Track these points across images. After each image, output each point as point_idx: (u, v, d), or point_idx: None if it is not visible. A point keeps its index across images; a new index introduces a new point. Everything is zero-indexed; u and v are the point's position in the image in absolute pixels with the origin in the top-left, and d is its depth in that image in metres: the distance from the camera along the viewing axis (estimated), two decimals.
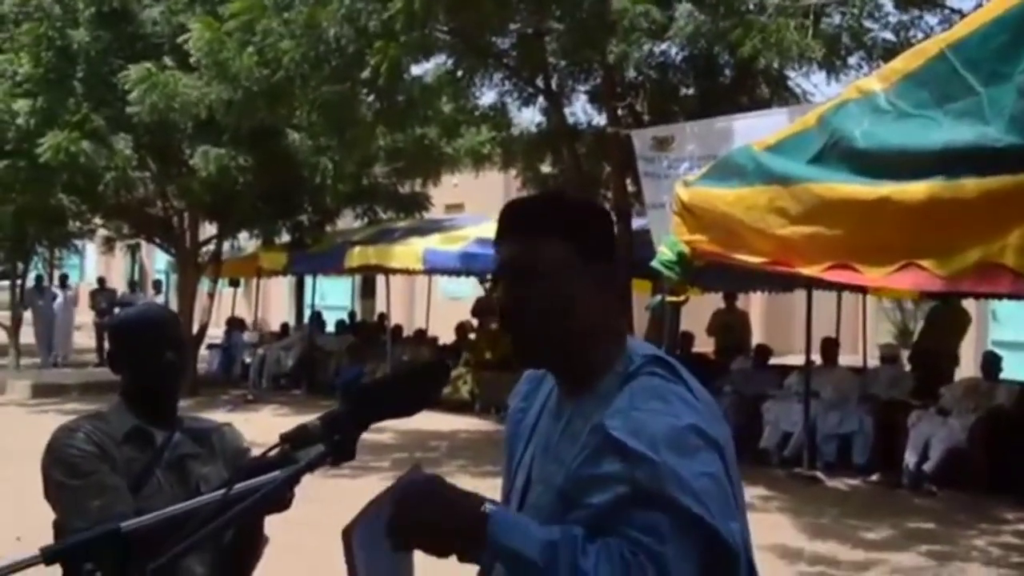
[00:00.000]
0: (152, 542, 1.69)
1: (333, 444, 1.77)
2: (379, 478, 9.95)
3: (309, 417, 1.78)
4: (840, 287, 11.90)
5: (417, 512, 1.62)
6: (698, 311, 13.41)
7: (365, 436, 1.73)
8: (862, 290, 12.89)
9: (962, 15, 7.06)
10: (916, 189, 4.36)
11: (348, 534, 1.77)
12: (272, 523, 2.46)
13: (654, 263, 6.01)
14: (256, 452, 2.02)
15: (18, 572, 1.71)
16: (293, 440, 1.80)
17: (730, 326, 14.50)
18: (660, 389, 1.70)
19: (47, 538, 1.74)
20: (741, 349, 13.62)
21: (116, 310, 19.35)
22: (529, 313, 1.77)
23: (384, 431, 12.08)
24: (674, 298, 6.03)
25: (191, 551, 1.79)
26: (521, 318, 1.78)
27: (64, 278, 22.43)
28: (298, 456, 1.82)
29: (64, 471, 2.48)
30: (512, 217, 1.84)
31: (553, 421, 1.85)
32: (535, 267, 1.76)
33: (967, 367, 12.93)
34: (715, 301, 14.52)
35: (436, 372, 1.94)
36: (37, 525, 1.87)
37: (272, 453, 1.85)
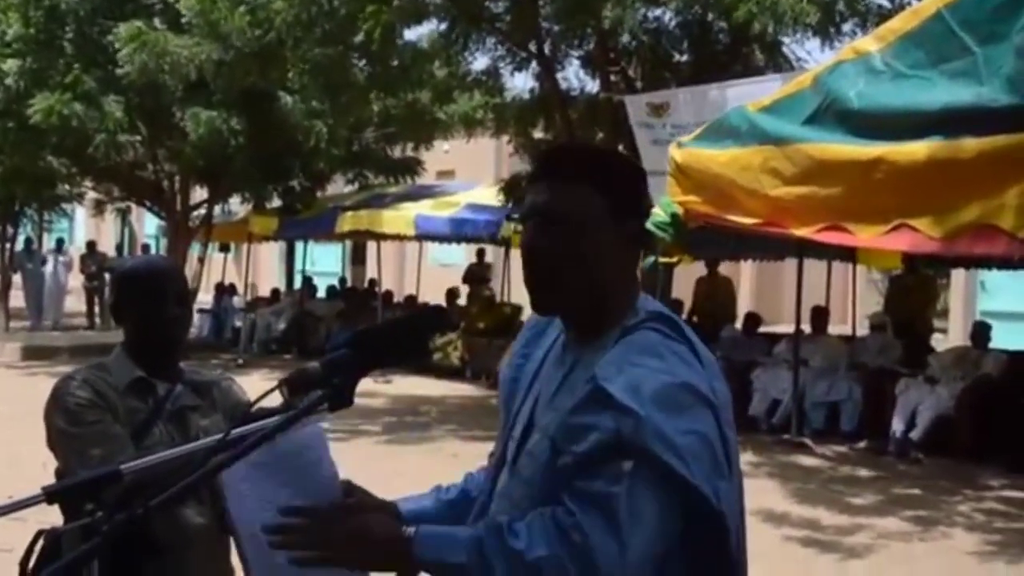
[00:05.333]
0: (150, 487, 1.70)
1: (332, 388, 1.78)
2: (371, 441, 10.00)
3: None
4: (831, 254, 11.94)
5: (345, 554, 1.68)
6: (688, 278, 13.43)
7: (355, 400, 1.73)
8: (852, 259, 12.91)
9: None
10: (913, 149, 4.35)
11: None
12: None
13: (647, 224, 6.01)
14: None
15: (21, 510, 1.73)
16: (292, 383, 1.81)
17: (712, 294, 14.46)
18: (657, 346, 1.70)
19: None
20: (725, 316, 13.63)
21: (105, 275, 19.39)
22: (549, 258, 1.77)
23: (375, 396, 12.11)
24: (667, 259, 6.04)
25: (187, 493, 1.80)
26: (541, 263, 1.79)
27: (60, 242, 22.35)
28: (297, 404, 1.83)
29: (67, 419, 2.49)
30: (548, 162, 1.87)
31: (556, 369, 1.85)
32: (561, 213, 1.77)
33: (956, 336, 12.98)
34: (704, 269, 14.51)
35: (436, 318, 1.95)
36: (29, 484, 1.89)
37: (270, 398, 1.86)
